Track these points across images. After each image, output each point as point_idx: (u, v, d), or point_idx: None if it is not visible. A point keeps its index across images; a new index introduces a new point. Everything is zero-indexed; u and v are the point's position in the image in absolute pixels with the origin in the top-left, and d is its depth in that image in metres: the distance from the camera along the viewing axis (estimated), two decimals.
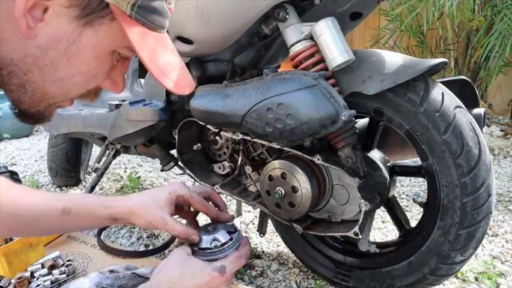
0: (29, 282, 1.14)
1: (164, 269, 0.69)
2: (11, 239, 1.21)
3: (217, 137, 1.28)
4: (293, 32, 0.97)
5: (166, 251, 1.46)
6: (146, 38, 0.54)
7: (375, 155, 1.09)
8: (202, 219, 1.74)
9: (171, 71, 0.58)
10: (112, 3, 0.50)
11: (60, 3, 0.48)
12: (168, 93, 1.27)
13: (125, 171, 2.39)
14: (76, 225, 0.79)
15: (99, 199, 0.80)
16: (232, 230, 0.80)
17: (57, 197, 0.78)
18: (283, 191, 1.06)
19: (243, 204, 1.71)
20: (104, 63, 0.57)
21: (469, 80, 1.08)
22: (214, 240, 0.76)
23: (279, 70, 1.00)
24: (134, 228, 1.64)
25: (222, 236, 0.77)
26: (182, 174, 1.39)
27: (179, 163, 1.34)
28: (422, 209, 1.11)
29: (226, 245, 0.75)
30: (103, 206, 0.78)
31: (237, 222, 1.70)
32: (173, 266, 0.69)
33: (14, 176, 1.63)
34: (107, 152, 1.61)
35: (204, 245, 0.76)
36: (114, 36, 0.54)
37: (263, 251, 1.45)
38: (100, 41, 0.53)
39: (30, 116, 0.59)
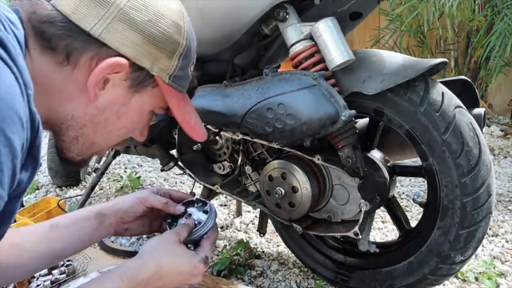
0: (29, 282, 1.14)
1: (155, 251, 0.74)
2: None
3: (217, 137, 1.28)
4: (293, 32, 0.97)
5: None
6: (178, 100, 0.68)
7: (375, 155, 1.09)
8: None
9: (195, 124, 0.73)
10: (157, 75, 0.64)
11: (119, 76, 0.61)
12: None
13: (125, 171, 2.39)
14: (67, 237, 0.80)
15: (88, 207, 0.86)
16: (205, 208, 0.84)
17: (45, 222, 0.83)
18: (283, 191, 1.06)
19: (243, 204, 1.71)
20: (143, 120, 0.70)
21: (469, 80, 1.07)
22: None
23: (279, 70, 1.00)
24: None
25: (199, 216, 0.83)
26: (182, 174, 1.39)
27: (179, 163, 1.34)
28: (422, 209, 1.11)
29: (204, 223, 0.81)
30: (90, 207, 0.84)
31: (237, 222, 1.70)
32: (164, 252, 0.74)
33: None
34: (107, 152, 1.61)
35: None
36: (154, 99, 0.67)
37: (263, 251, 1.45)
38: (144, 103, 0.67)
39: (75, 163, 0.69)
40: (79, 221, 0.81)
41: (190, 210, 0.84)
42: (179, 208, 0.83)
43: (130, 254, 1.37)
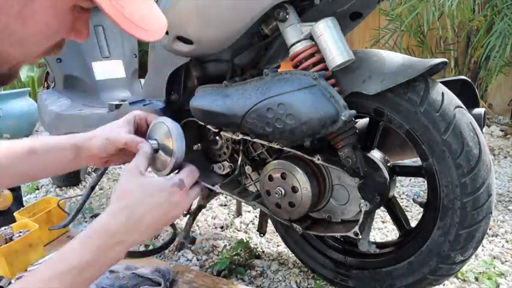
0: None
1: (121, 195, 0.66)
2: (11, 239, 1.21)
3: (217, 137, 1.28)
4: (293, 32, 0.97)
5: (166, 251, 1.46)
6: None
7: (375, 155, 1.09)
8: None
9: (140, 18, 0.53)
10: None
11: None
12: (168, 93, 1.27)
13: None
14: (43, 164, 0.81)
15: (66, 137, 0.84)
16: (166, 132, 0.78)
17: (25, 140, 0.83)
18: (283, 191, 1.06)
19: (243, 204, 1.71)
20: (65, 20, 0.53)
21: (469, 80, 1.07)
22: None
23: (279, 70, 1.00)
24: None
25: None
26: None
27: None
28: (422, 209, 1.10)
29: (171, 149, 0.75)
30: (68, 138, 0.83)
31: (237, 222, 1.70)
32: (129, 191, 0.66)
33: None
34: None
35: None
36: None
37: (263, 251, 1.45)
38: None
39: None
40: (57, 149, 0.81)
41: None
42: (142, 146, 0.74)
43: (130, 254, 1.37)
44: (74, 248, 0.61)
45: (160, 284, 1.08)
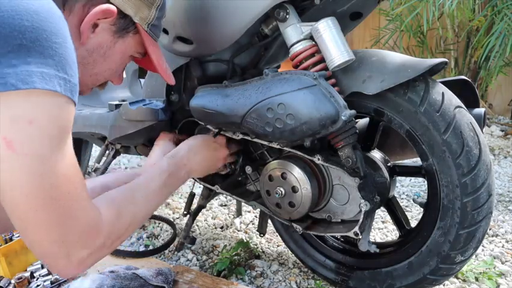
0: (29, 282, 1.14)
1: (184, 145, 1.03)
2: (11, 239, 1.21)
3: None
4: (293, 32, 0.97)
5: (166, 251, 1.46)
6: (154, 47, 0.81)
7: (375, 155, 1.09)
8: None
9: (167, 69, 0.87)
10: (138, 23, 0.77)
11: (108, 21, 0.72)
12: (168, 93, 1.27)
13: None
14: None
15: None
16: None
17: (98, 181, 0.97)
18: (283, 191, 1.06)
19: (243, 204, 1.71)
20: (124, 62, 0.82)
21: (469, 80, 1.07)
22: None
23: (279, 70, 1.00)
24: None
25: None
26: None
27: None
28: (422, 209, 1.10)
29: None
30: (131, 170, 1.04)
31: (237, 222, 1.70)
32: (187, 140, 1.04)
33: None
34: (107, 152, 1.60)
35: None
36: (134, 44, 0.80)
37: (263, 251, 1.45)
38: (126, 47, 0.78)
39: None
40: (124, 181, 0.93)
41: None
42: None
43: (130, 254, 1.37)
44: (162, 163, 0.91)
45: None
